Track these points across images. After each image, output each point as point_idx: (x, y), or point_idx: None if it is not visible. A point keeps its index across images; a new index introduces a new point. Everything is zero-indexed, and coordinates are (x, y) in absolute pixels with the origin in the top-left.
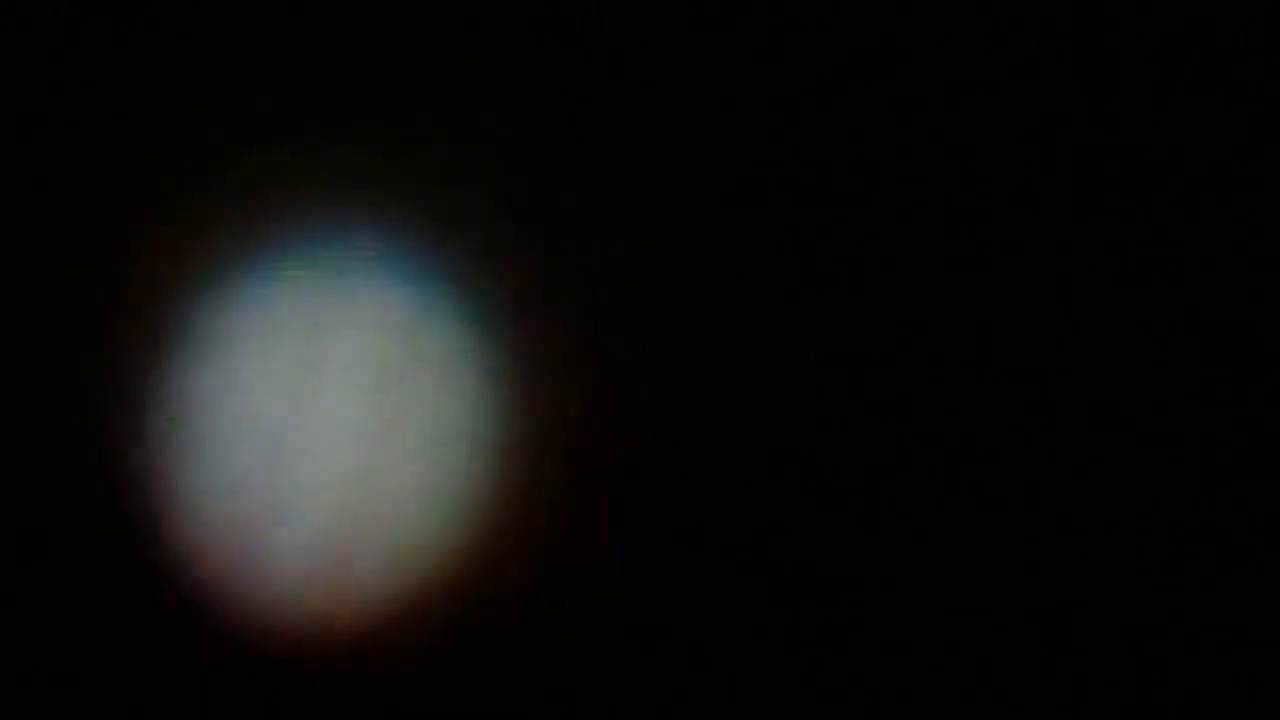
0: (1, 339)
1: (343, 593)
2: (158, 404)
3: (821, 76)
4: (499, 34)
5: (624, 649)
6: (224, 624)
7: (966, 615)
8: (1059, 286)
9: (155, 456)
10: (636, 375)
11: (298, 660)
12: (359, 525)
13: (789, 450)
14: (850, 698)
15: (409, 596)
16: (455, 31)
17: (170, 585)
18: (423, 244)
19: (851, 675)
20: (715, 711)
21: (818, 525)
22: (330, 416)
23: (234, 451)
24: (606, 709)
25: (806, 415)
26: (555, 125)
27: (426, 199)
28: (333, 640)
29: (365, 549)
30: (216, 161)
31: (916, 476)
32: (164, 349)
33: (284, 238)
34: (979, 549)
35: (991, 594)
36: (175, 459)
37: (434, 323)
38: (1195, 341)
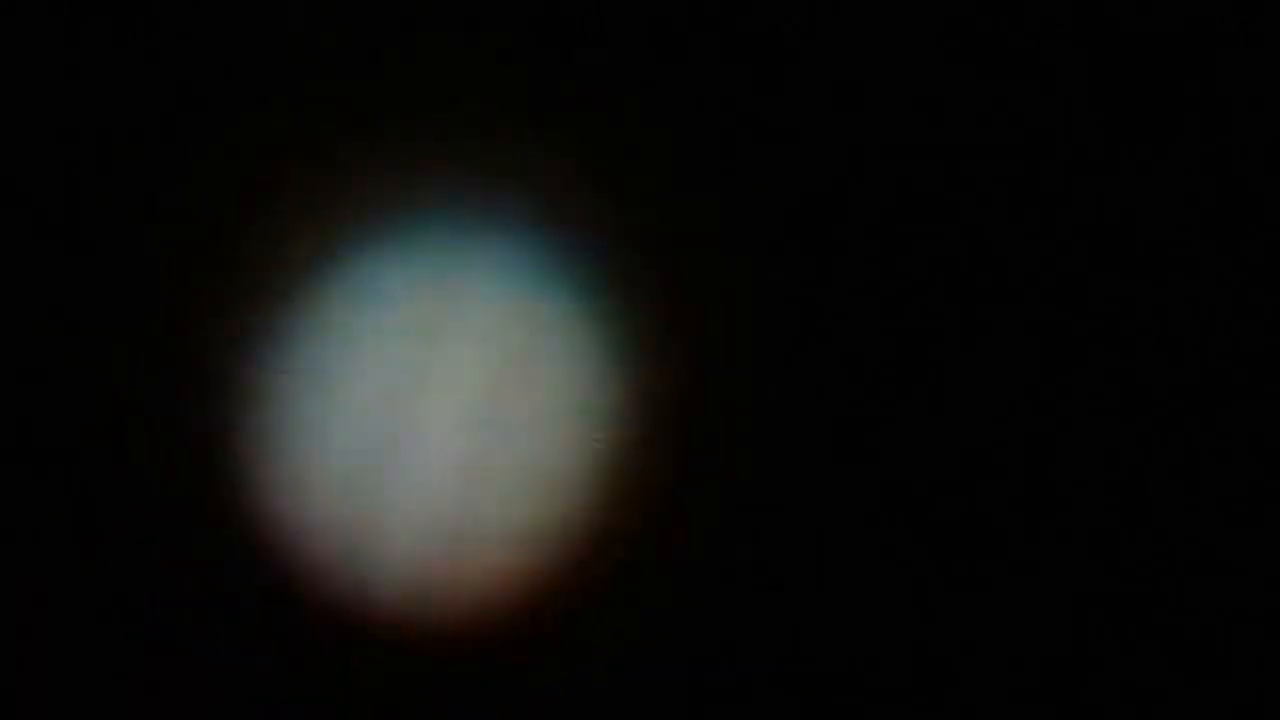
0: (101, 340)
1: (457, 581)
2: (269, 398)
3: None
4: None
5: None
6: (338, 617)
7: (981, 618)
8: (1062, 288)
9: (263, 454)
10: (748, 369)
11: (414, 650)
12: (471, 518)
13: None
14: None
15: (523, 585)
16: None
17: (281, 580)
18: (536, 234)
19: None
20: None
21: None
22: (443, 408)
23: (346, 444)
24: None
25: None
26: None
27: (542, 189)
28: (447, 632)
29: (477, 539)
30: (326, 151)
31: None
32: (273, 340)
33: (398, 229)
34: (1003, 555)
35: (994, 596)
36: (284, 454)
37: (548, 313)
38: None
